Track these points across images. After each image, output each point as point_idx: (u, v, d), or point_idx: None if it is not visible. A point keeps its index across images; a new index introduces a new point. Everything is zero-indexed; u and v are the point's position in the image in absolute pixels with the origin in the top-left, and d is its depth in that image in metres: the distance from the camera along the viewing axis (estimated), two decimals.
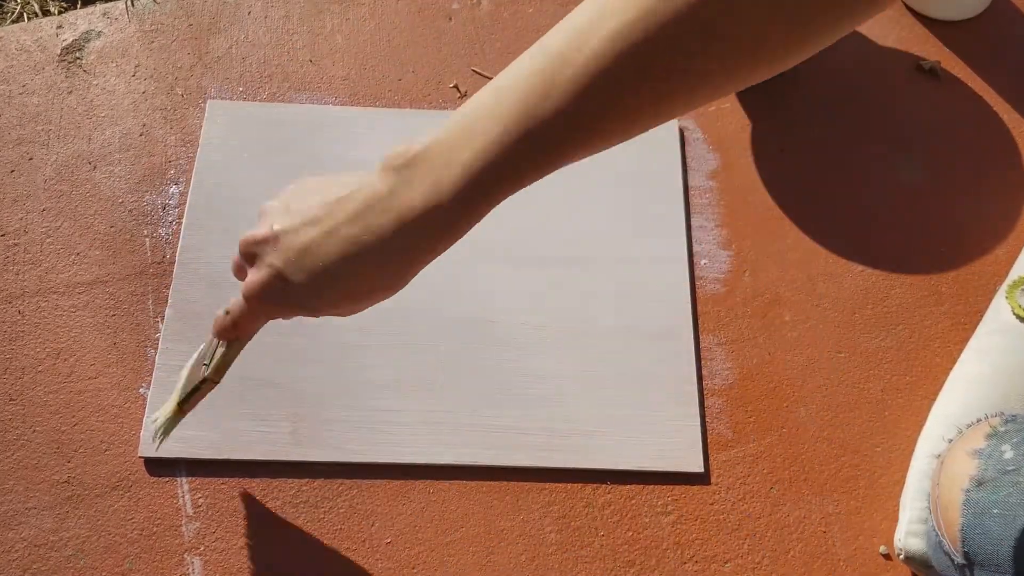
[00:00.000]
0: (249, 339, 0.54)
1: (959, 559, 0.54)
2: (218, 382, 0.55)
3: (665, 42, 0.37)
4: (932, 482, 0.58)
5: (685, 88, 0.39)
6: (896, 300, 0.71)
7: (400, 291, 0.46)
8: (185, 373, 0.56)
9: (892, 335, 0.69)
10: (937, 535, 0.56)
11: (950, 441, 0.59)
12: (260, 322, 0.51)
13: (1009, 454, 0.54)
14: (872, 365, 0.68)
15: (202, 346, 0.56)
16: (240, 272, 0.50)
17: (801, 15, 0.36)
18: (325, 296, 0.45)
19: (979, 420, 0.59)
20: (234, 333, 0.52)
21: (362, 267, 0.43)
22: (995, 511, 0.52)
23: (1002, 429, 0.56)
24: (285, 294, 0.45)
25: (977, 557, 0.53)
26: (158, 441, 0.57)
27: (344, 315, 0.47)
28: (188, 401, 0.55)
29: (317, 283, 0.44)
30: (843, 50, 0.82)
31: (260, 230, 0.46)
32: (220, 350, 0.54)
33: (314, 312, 0.46)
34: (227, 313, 0.50)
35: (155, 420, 0.57)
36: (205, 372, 0.54)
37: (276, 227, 0.45)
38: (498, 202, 0.43)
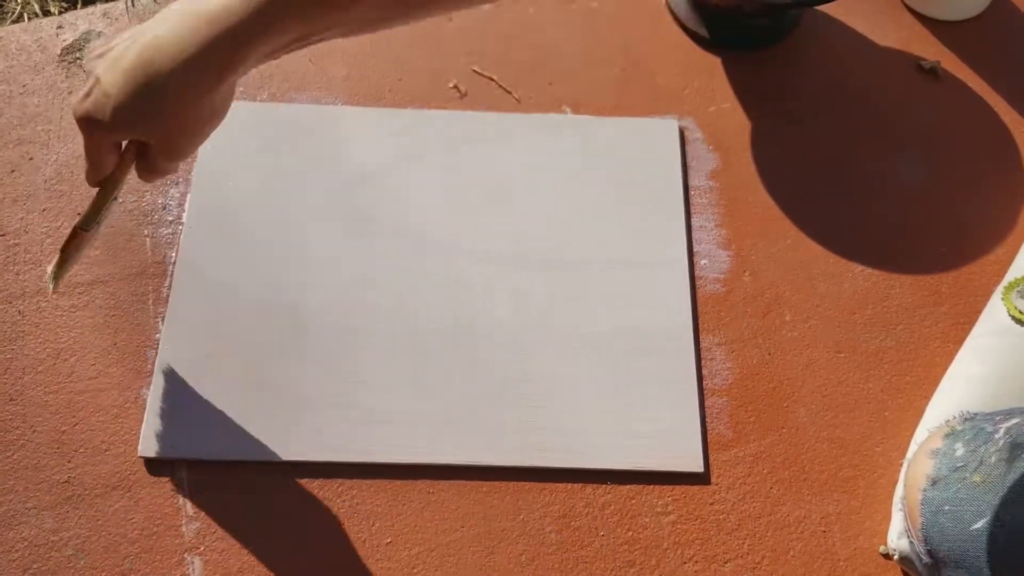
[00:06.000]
0: (115, 187, 0.55)
1: (926, 559, 0.55)
2: (86, 231, 0.56)
3: None
4: (902, 484, 0.59)
5: None
6: (896, 300, 0.71)
7: (209, 117, 0.51)
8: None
9: (892, 335, 0.69)
10: (909, 537, 0.57)
11: (920, 444, 0.60)
12: (105, 151, 0.53)
13: (960, 451, 0.54)
14: (872, 365, 0.68)
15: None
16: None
17: None
18: (141, 101, 0.48)
19: (945, 422, 0.59)
20: (95, 176, 0.54)
21: (167, 62, 0.47)
22: (947, 508, 0.53)
23: (959, 428, 0.57)
24: (107, 104, 0.49)
25: (939, 555, 0.53)
26: (51, 285, 0.56)
27: (168, 153, 0.51)
28: (65, 249, 0.56)
29: (129, 84, 0.47)
30: (843, 50, 0.82)
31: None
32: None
33: (132, 125, 0.50)
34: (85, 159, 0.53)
35: (47, 272, 0.57)
36: (78, 221, 0.56)
37: (100, 49, 0.50)
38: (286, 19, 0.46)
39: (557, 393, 0.65)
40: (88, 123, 0.51)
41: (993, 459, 0.52)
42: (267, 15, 0.46)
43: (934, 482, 0.54)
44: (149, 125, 0.50)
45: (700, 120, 0.78)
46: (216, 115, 0.51)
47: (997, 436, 0.53)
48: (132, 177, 0.73)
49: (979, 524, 0.51)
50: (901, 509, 0.59)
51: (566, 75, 0.79)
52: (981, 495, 0.52)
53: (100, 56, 0.50)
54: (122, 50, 0.49)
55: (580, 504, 0.63)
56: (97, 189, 0.56)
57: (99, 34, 0.80)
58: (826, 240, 0.73)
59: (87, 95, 0.50)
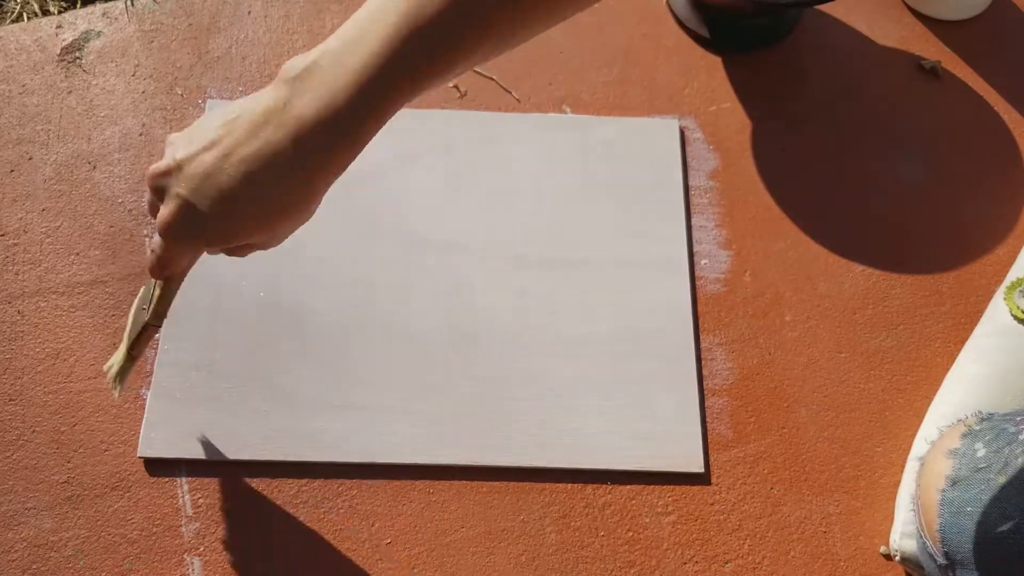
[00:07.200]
0: (182, 278, 0.53)
1: (941, 560, 0.54)
2: (159, 326, 0.55)
3: None
4: (915, 484, 0.58)
5: None
6: (897, 300, 0.71)
7: (310, 215, 0.45)
8: (131, 317, 0.56)
9: (893, 335, 0.69)
10: (922, 537, 0.56)
11: (932, 443, 0.59)
12: (185, 258, 0.49)
13: (982, 452, 0.54)
14: (873, 365, 0.68)
15: (143, 288, 0.55)
16: (153, 209, 0.48)
17: None
18: (234, 221, 0.45)
19: (958, 420, 0.59)
20: (164, 272, 0.50)
21: (263, 186, 0.43)
22: (969, 509, 0.52)
23: (977, 428, 0.56)
24: (196, 224, 0.45)
25: (956, 557, 0.53)
26: (116, 390, 0.57)
27: (265, 245, 0.47)
28: (136, 347, 0.55)
29: (224, 208, 0.44)
30: (844, 49, 0.82)
31: (163, 161, 0.46)
32: (156, 292, 0.53)
33: (229, 240, 0.46)
34: (152, 252, 0.49)
35: (109, 367, 0.57)
36: (146, 317, 0.54)
37: (178, 156, 0.45)
38: (396, 107, 0.42)
39: (557, 393, 0.65)
40: (177, 242, 0.47)
41: (1019, 460, 0.52)
42: (387, 109, 0.42)
43: (954, 482, 0.54)
44: (250, 238, 0.46)
45: (700, 120, 0.78)
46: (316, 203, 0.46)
47: (1022, 437, 0.53)
48: (129, 176, 0.73)
49: (1006, 526, 0.50)
50: (912, 509, 0.58)
51: (566, 75, 0.79)
52: (1007, 497, 0.51)
53: (181, 165, 0.45)
54: (211, 165, 0.44)
55: (580, 504, 0.63)
56: (158, 281, 0.53)
57: (98, 34, 0.80)
58: (826, 240, 0.73)
59: (176, 215, 0.45)
